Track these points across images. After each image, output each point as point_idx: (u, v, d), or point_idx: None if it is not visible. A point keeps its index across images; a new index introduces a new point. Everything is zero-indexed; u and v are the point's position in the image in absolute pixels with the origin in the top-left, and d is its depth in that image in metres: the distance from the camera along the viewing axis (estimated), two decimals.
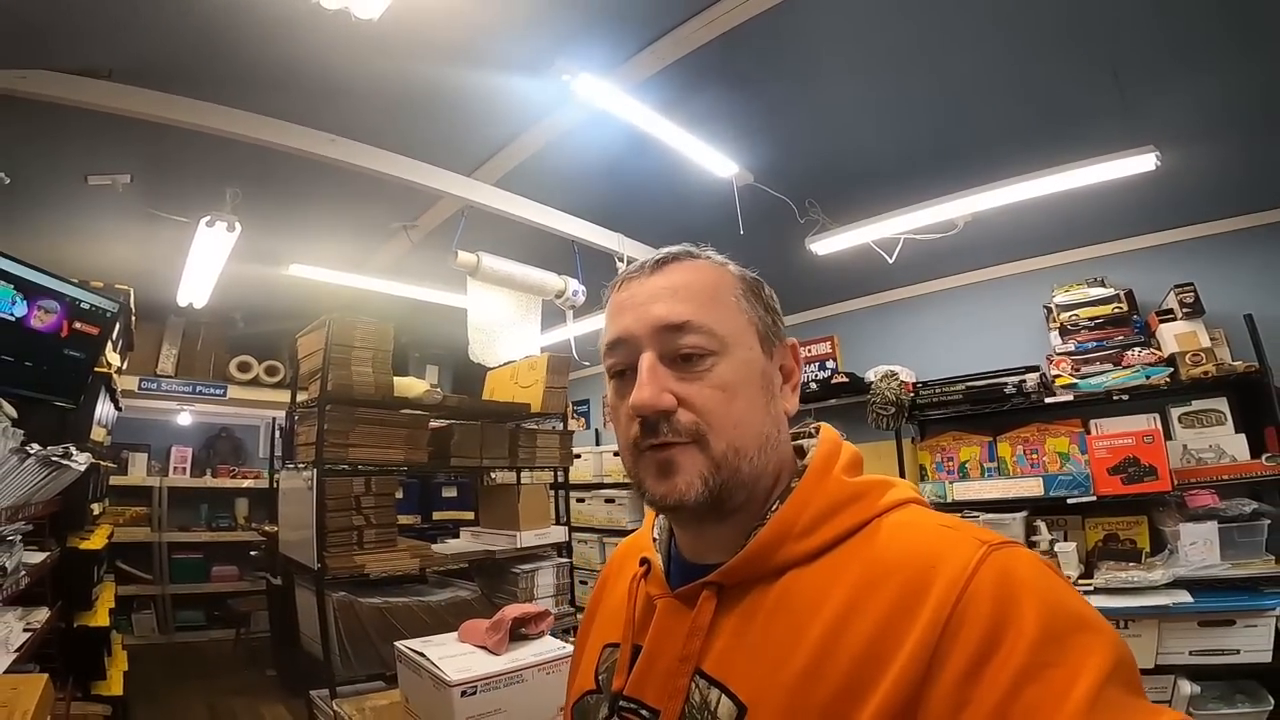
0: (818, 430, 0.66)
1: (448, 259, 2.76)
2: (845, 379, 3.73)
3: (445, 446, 3.01)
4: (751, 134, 2.64)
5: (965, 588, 0.47)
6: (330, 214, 3.27)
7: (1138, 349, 2.94)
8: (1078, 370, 3.04)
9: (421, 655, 1.48)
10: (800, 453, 0.66)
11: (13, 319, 2.09)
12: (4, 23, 1.71)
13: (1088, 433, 3.05)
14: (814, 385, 3.91)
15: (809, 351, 4.20)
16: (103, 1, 1.80)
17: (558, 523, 3.36)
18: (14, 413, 1.98)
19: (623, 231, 3.28)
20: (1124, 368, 2.93)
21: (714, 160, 2.64)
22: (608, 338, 0.64)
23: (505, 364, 3.17)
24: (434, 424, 3.07)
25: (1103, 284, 3.18)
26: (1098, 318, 3.08)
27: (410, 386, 2.82)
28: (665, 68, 2.20)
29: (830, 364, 4.09)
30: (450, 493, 4.56)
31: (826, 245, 3.13)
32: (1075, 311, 3.13)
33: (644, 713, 0.60)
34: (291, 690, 3.66)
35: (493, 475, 3.72)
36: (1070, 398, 2.98)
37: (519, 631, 1.55)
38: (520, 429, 3.22)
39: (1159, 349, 2.91)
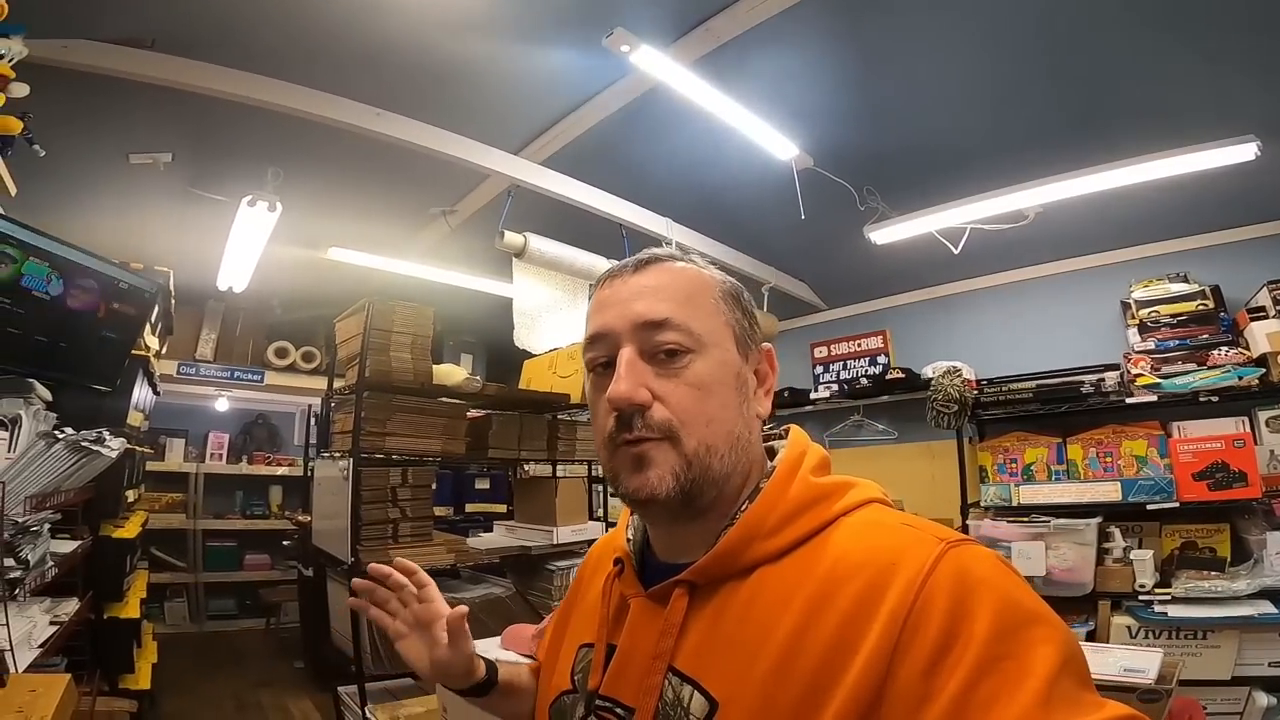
0: (788, 432, 0.68)
1: (493, 241, 2.66)
2: (901, 375, 3.55)
3: (482, 437, 2.92)
4: (810, 116, 2.49)
5: (924, 584, 0.49)
6: (371, 196, 3.20)
7: (1224, 348, 2.75)
8: (1158, 369, 2.86)
9: None
10: (771, 454, 0.67)
11: (48, 298, 2.03)
12: None
13: (1168, 435, 2.85)
14: (865, 380, 3.74)
15: (858, 346, 4.03)
16: None
17: (593, 518, 3.25)
18: (48, 395, 1.92)
19: (671, 216, 3.15)
20: (1210, 367, 2.75)
21: (774, 141, 2.49)
22: (589, 332, 0.66)
23: (550, 350, 3.06)
24: (471, 414, 2.98)
25: (1185, 279, 3.00)
26: (1180, 314, 2.89)
27: (449, 374, 2.74)
28: (725, 43, 2.06)
29: (882, 359, 3.91)
30: (483, 484, 4.49)
31: (887, 234, 2.97)
32: (1156, 308, 2.96)
33: (619, 711, 0.61)
34: (319, 684, 3.62)
35: (527, 468, 3.62)
36: (1153, 398, 2.79)
37: None
38: (559, 420, 3.11)
39: (1248, 348, 2.73)
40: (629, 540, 0.72)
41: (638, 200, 3.05)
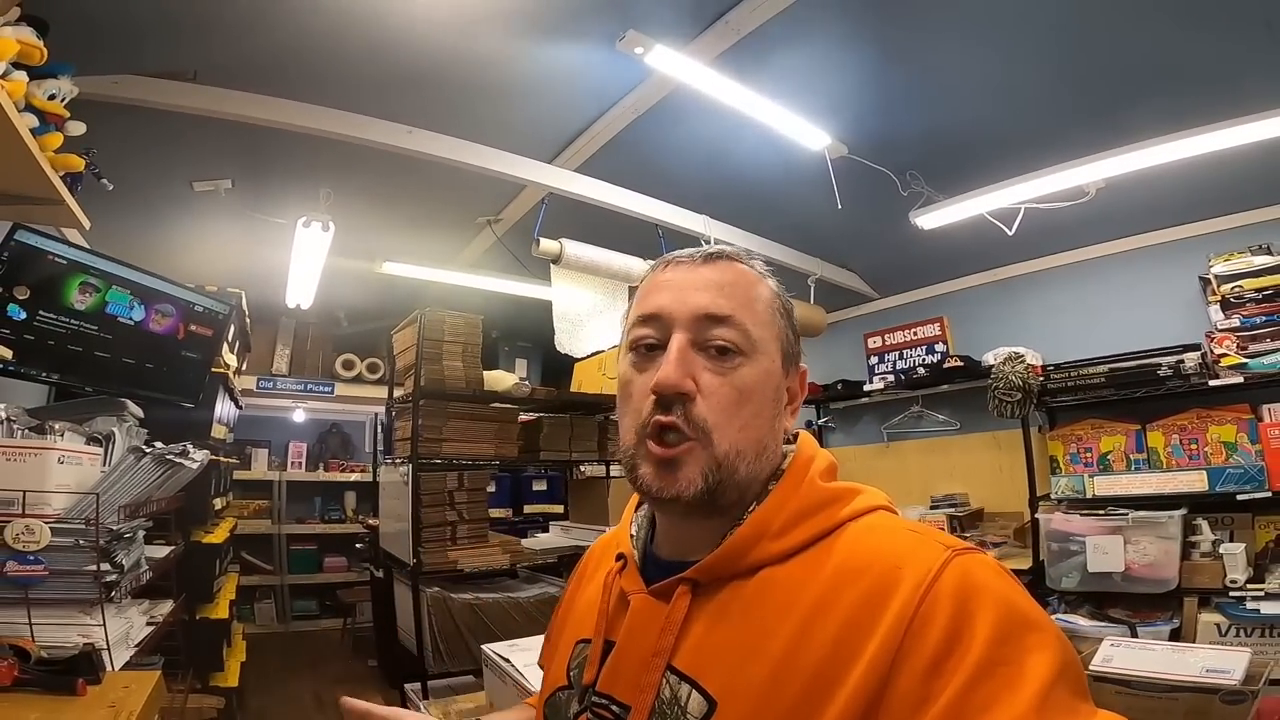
0: (795, 438, 0.69)
1: (531, 249, 2.72)
2: (959, 363, 3.42)
3: (534, 440, 3.00)
4: (843, 104, 2.43)
5: (929, 589, 0.49)
6: (418, 210, 3.32)
7: None
8: (1245, 348, 2.65)
9: (508, 661, 1.42)
10: (781, 459, 0.67)
11: (132, 323, 2.21)
12: (88, 29, 1.77)
13: (1259, 419, 2.64)
14: (922, 370, 3.61)
15: (915, 334, 3.89)
16: (179, 4, 1.84)
17: None
18: (140, 412, 2.09)
19: (708, 213, 3.14)
20: None
21: (803, 132, 2.45)
22: (642, 310, 0.65)
23: (593, 354, 3.11)
24: (523, 417, 3.06)
25: (1269, 251, 2.76)
26: (1266, 289, 2.67)
27: (499, 380, 2.83)
28: (746, 36, 2.04)
29: (940, 347, 3.77)
30: (540, 486, 4.59)
31: (933, 219, 2.87)
32: (1239, 283, 2.73)
33: (615, 708, 0.60)
34: (390, 681, 3.79)
35: (582, 469, 3.68)
36: (1239, 379, 2.59)
37: None
38: (609, 421, 3.16)
39: None
40: (633, 537, 0.72)
41: (673, 199, 3.05)
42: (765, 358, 0.63)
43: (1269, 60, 2.06)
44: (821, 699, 0.49)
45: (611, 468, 3.46)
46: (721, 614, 0.58)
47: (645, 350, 0.64)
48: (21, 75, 1.22)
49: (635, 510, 0.75)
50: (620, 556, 0.69)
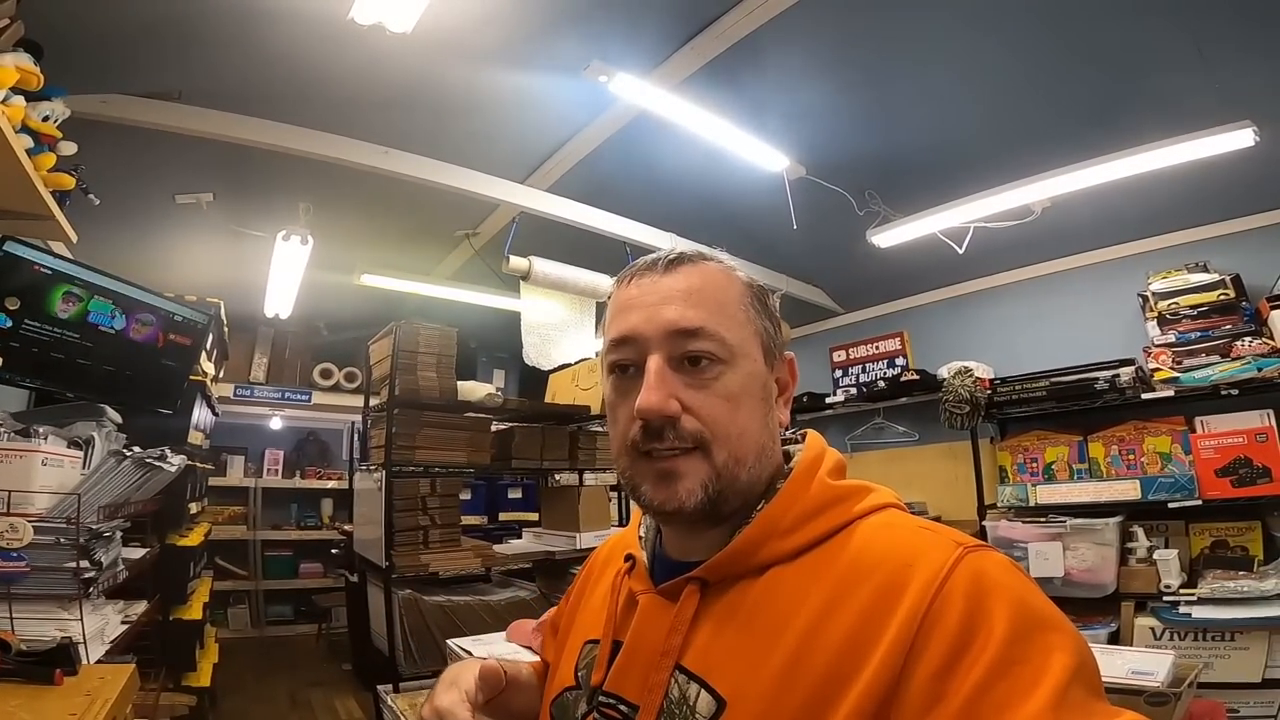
0: (803, 436, 0.67)
1: (502, 265, 2.83)
2: (916, 376, 3.57)
3: (507, 448, 3.07)
4: (801, 126, 2.57)
5: (941, 587, 0.49)
6: (397, 224, 3.40)
7: (1248, 339, 2.67)
8: (1179, 363, 2.79)
9: (469, 654, 1.51)
10: (787, 457, 0.66)
11: (113, 332, 2.28)
12: (81, 49, 1.85)
13: (1192, 431, 2.79)
14: (882, 384, 3.75)
15: (876, 349, 4.05)
16: (168, 28, 1.93)
17: (620, 524, 3.37)
18: (118, 418, 2.16)
19: (675, 231, 3.26)
20: (1233, 359, 2.66)
21: (762, 154, 2.58)
22: (614, 334, 0.63)
23: (561, 367, 3.20)
24: (497, 427, 3.14)
25: (1205, 269, 2.92)
26: (1201, 305, 2.82)
27: (473, 390, 2.90)
28: (708, 63, 2.16)
29: (900, 361, 3.92)
30: (515, 494, 4.67)
31: (889, 238, 3.02)
32: (1175, 299, 2.88)
33: (623, 708, 0.60)
34: (365, 684, 3.83)
35: (556, 477, 3.77)
36: (1171, 393, 2.74)
37: None
38: (581, 431, 3.25)
39: (1272, 338, 2.64)
40: (641, 538, 0.72)
41: (642, 218, 3.16)
42: (746, 359, 0.62)
43: (1202, 81, 2.19)
44: (832, 698, 0.49)
45: (585, 476, 3.56)
46: (730, 613, 0.58)
47: (623, 373, 0.63)
48: (19, 100, 1.29)
49: (644, 514, 0.73)
50: (629, 557, 0.69)
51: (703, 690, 0.55)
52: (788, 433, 0.69)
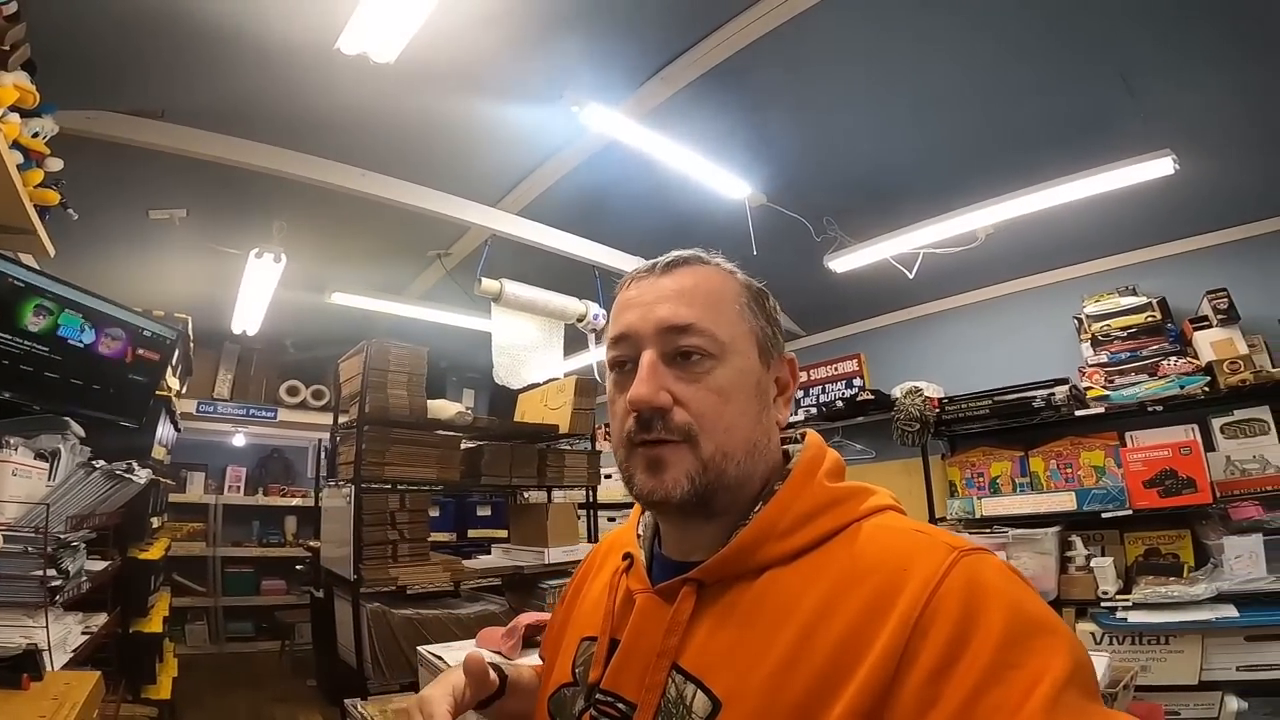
0: (804, 436, 0.68)
1: (474, 286, 2.90)
2: (871, 396, 3.72)
3: (477, 466, 3.10)
4: (763, 155, 2.69)
5: (936, 590, 0.49)
6: (369, 244, 3.45)
7: (1174, 358, 2.87)
8: (1111, 382, 2.98)
9: (440, 659, 1.56)
10: (787, 458, 0.67)
11: (82, 345, 2.29)
12: (69, 65, 1.88)
13: (1123, 445, 2.97)
14: (840, 404, 3.90)
15: (835, 370, 4.20)
16: (155, 48, 1.99)
17: (588, 540, 3.42)
18: (81, 431, 2.16)
19: (642, 255, 3.36)
20: (1159, 378, 2.86)
21: (726, 183, 2.71)
22: (612, 332, 0.67)
23: (530, 387, 3.27)
24: (466, 445, 3.19)
25: (1134, 292, 3.12)
26: (1130, 327, 3.02)
27: (443, 409, 2.94)
28: (675, 93, 2.27)
29: (858, 381, 4.08)
30: (484, 511, 4.68)
31: (844, 263, 3.16)
32: (1107, 322, 3.08)
33: (620, 706, 0.61)
34: (330, 699, 3.78)
35: (525, 495, 3.81)
36: (1102, 410, 2.92)
37: (533, 639, 1.62)
38: (550, 449, 3.30)
39: (1196, 357, 2.83)
40: (639, 536, 0.73)
41: (611, 241, 3.27)
42: (739, 356, 0.63)
43: (1129, 110, 2.31)
44: (826, 700, 0.49)
45: (553, 493, 3.61)
46: (727, 614, 0.58)
47: (622, 370, 0.66)
48: (14, 117, 1.33)
49: (642, 512, 0.76)
50: (627, 556, 0.70)
51: (699, 691, 0.56)
52: (790, 432, 0.70)
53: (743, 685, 0.53)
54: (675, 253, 0.68)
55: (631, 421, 0.61)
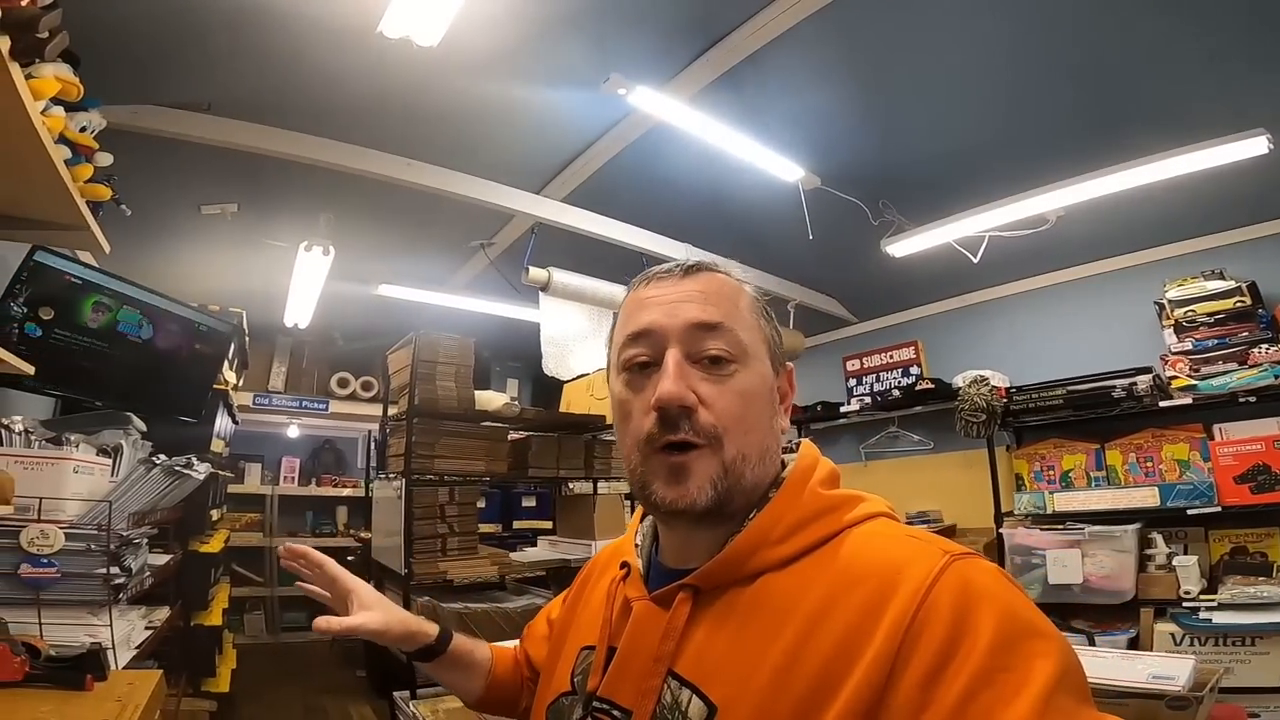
0: (798, 446, 0.69)
1: (521, 275, 2.85)
2: (930, 385, 3.56)
3: (523, 457, 3.09)
4: (816, 137, 2.58)
5: (927, 594, 0.49)
6: (414, 234, 3.45)
7: (1265, 345, 2.67)
8: (1197, 370, 2.79)
9: None
10: (782, 466, 0.68)
11: (141, 341, 2.33)
12: (114, 60, 1.89)
13: (1210, 438, 2.78)
14: (897, 392, 3.75)
15: (890, 358, 4.05)
16: (198, 40, 1.97)
17: None
18: (143, 426, 2.20)
19: (690, 241, 3.28)
20: (1250, 366, 2.67)
21: (777, 165, 2.60)
22: (632, 329, 0.65)
23: (579, 377, 3.22)
24: (513, 436, 3.17)
25: (1222, 276, 2.92)
26: (1218, 313, 2.82)
27: (490, 400, 2.93)
28: (721, 75, 2.18)
29: (914, 370, 3.92)
30: (530, 502, 4.69)
31: (903, 247, 3.02)
32: (1192, 307, 2.89)
33: (616, 713, 0.61)
34: (378, 691, 3.85)
35: (570, 485, 3.79)
36: (1188, 401, 2.74)
37: None
38: (596, 440, 3.26)
39: None
40: (637, 545, 0.73)
41: (657, 228, 3.19)
42: (758, 362, 0.64)
43: (1215, 89, 2.20)
44: (821, 704, 0.49)
45: (599, 485, 3.57)
46: (722, 620, 0.59)
47: (638, 369, 0.64)
48: (59, 110, 1.31)
49: (640, 521, 0.76)
50: (625, 565, 0.70)
51: (694, 696, 0.56)
52: (789, 442, 0.72)
53: (738, 690, 0.54)
54: (696, 258, 0.69)
55: (653, 422, 0.60)
